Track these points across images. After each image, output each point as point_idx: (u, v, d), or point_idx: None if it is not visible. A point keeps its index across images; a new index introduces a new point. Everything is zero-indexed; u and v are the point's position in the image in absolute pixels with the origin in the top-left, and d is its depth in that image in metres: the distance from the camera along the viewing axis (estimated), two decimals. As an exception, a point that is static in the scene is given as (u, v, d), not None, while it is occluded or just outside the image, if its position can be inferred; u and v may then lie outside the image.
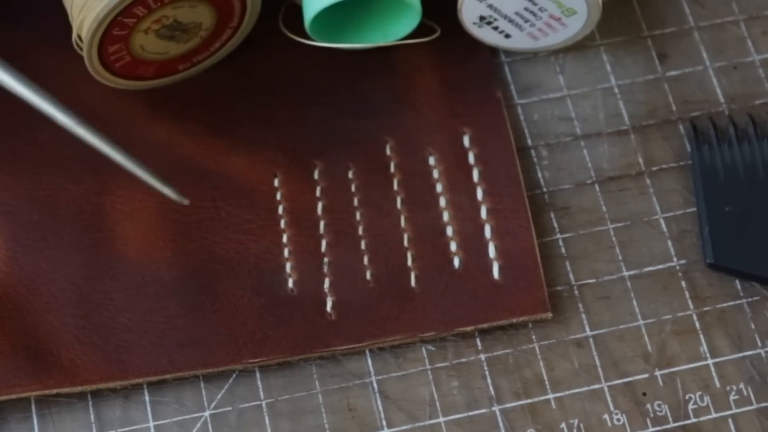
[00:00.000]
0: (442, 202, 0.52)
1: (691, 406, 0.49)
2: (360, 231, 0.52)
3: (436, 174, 0.53)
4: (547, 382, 0.50)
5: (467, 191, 0.52)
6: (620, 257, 0.52)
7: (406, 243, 0.51)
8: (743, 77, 0.56)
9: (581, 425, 0.49)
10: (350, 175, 0.53)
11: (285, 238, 0.51)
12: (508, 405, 0.49)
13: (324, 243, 0.51)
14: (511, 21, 0.53)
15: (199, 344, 0.49)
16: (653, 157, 0.54)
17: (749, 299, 0.51)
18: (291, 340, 0.49)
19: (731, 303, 0.51)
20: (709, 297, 0.51)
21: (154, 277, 0.50)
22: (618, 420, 0.49)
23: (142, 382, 0.49)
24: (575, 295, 0.51)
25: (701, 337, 0.50)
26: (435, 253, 0.51)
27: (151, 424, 0.49)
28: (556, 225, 0.52)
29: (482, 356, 0.50)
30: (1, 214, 0.51)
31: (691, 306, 0.51)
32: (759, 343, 0.50)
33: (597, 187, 0.53)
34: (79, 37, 0.50)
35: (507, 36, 0.54)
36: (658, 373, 0.50)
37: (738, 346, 0.50)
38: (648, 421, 0.49)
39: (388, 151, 0.53)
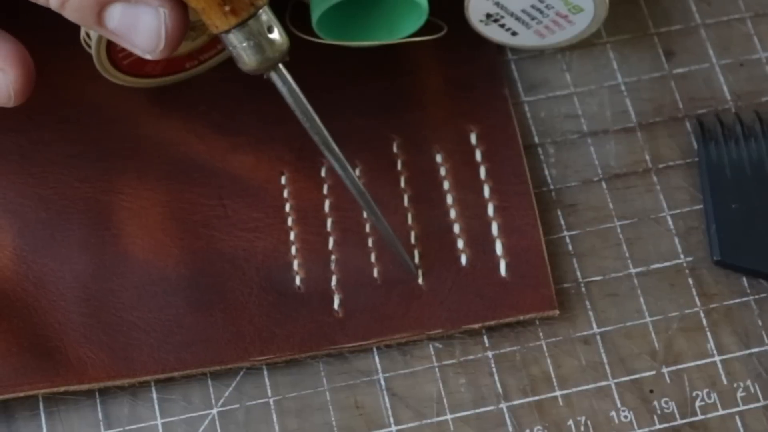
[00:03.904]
0: (449, 199, 0.52)
1: (698, 403, 0.49)
2: (367, 229, 0.52)
3: (443, 172, 0.53)
4: (554, 379, 0.50)
5: (474, 189, 0.52)
6: (627, 254, 0.52)
7: (413, 240, 0.51)
8: (750, 74, 0.56)
9: (588, 422, 0.49)
10: (357, 172, 0.53)
11: (292, 236, 0.51)
12: (515, 402, 0.49)
13: (331, 241, 0.51)
14: (517, 19, 0.53)
15: (206, 342, 0.49)
16: (660, 154, 0.54)
17: (756, 296, 0.51)
18: (298, 338, 0.49)
19: (738, 300, 0.51)
20: (716, 294, 0.51)
21: (162, 275, 0.50)
22: (625, 417, 0.49)
23: (149, 380, 0.49)
24: (582, 292, 0.51)
25: (708, 334, 0.50)
26: (442, 250, 0.51)
27: (159, 421, 0.49)
28: (563, 222, 0.52)
29: (489, 353, 0.50)
30: (8, 213, 0.51)
31: (698, 303, 0.51)
32: (766, 340, 0.50)
33: (604, 185, 0.53)
34: (88, 34, 0.50)
35: (514, 34, 0.54)
36: (665, 370, 0.50)
37: (745, 343, 0.50)
38: (655, 418, 0.49)
39: (395, 149, 0.53)
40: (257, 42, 0.44)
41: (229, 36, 0.44)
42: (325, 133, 0.46)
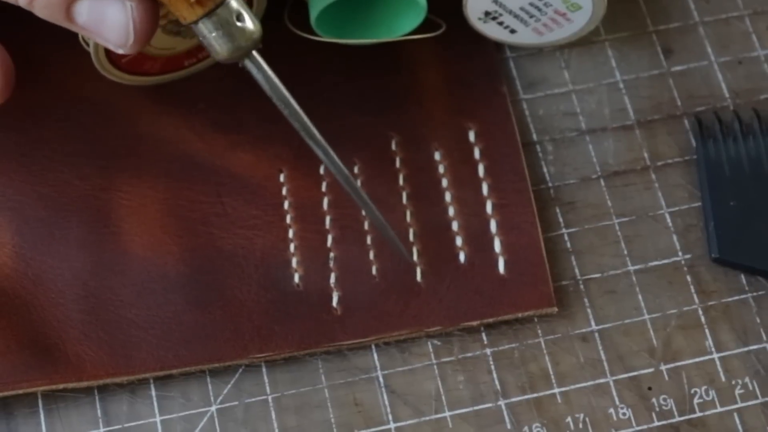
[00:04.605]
0: (448, 197, 0.52)
1: (696, 400, 0.49)
2: (366, 226, 0.52)
3: (441, 169, 0.53)
4: (552, 377, 0.50)
5: (473, 186, 0.52)
6: (625, 252, 0.52)
7: (411, 238, 0.52)
8: (748, 72, 0.56)
9: (587, 419, 0.49)
10: (356, 170, 0.53)
11: (291, 234, 0.51)
12: (513, 399, 0.49)
13: (330, 238, 0.51)
14: (516, 16, 0.53)
15: (205, 339, 0.49)
16: (658, 151, 0.54)
17: (754, 293, 0.51)
18: (297, 335, 0.49)
19: (736, 297, 0.51)
20: (715, 291, 0.51)
21: (160, 273, 0.50)
22: (623, 414, 0.49)
23: (148, 377, 0.49)
24: (581, 289, 0.51)
25: (706, 331, 0.50)
26: (440, 248, 0.51)
27: (158, 418, 0.49)
28: (561, 220, 0.52)
29: (488, 351, 0.50)
30: (7, 210, 0.51)
31: (697, 300, 0.51)
32: (764, 338, 0.50)
33: (602, 182, 0.53)
34: (86, 32, 0.50)
35: (512, 31, 0.54)
36: (663, 367, 0.50)
37: (743, 341, 0.50)
38: (653, 415, 0.49)
39: (393, 147, 0.53)
40: (227, 31, 0.44)
41: (198, 26, 0.44)
42: (305, 119, 0.46)
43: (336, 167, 0.47)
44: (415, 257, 0.51)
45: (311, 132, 0.47)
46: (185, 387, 0.49)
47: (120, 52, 0.45)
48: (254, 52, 0.45)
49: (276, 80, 0.45)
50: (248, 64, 0.45)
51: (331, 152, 0.47)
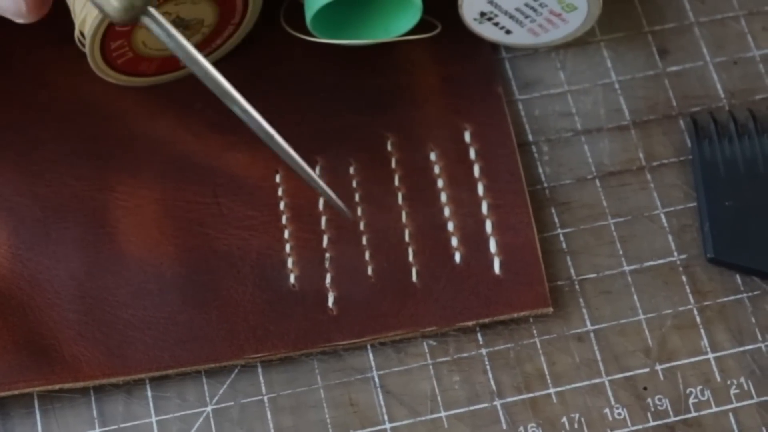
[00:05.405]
0: (443, 197, 0.52)
1: (691, 400, 0.49)
2: (361, 226, 0.52)
3: (437, 170, 0.53)
4: (548, 377, 0.50)
5: (468, 187, 0.53)
6: (621, 252, 0.52)
7: (407, 238, 0.52)
8: (743, 72, 0.56)
9: (582, 419, 0.49)
10: (351, 171, 0.53)
11: (287, 234, 0.51)
12: (509, 399, 0.49)
13: (325, 238, 0.51)
14: (511, 17, 0.53)
15: (201, 339, 0.49)
16: (654, 152, 0.54)
17: (750, 294, 0.51)
18: (293, 336, 0.50)
19: (732, 297, 0.51)
20: (710, 291, 0.51)
21: (156, 273, 0.50)
22: (619, 414, 0.49)
23: (144, 378, 0.49)
24: (576, 289, 0.51)
25: (702, 331, 0.51)
26: (436, 248, 0.51)
27: (154, 419, 0.49)
28: (556, 220, 0.53)
29: (483, 351, 0.50)
30: (3, 210, 0.51)
31: (692, 300, 0.51)
32: (759, 338, 0.50)
33: (598, 182, 0.53)
34: (82, 33, 0.50)
35: (507, 32, 0.54)
36: (658, 367, 0.50)
37: (738, 341, 0.50)
38: (649, 415, 0.49)
39: (389, 147, 0.53)
40: None
41: None
42: (214, 73, 0.45)
43: (254, 122, 0.46)
44: (410, 257, 0.51)
45: (223, 88, 0.45)
46: (181, 387, 0.49)
47: (20, 21, 0.45)
48: (151, 8, 0.44)
49: (179, 36, 0.44)
50: (147, 21, 0.44)
51: (246, 104, 0.45)
